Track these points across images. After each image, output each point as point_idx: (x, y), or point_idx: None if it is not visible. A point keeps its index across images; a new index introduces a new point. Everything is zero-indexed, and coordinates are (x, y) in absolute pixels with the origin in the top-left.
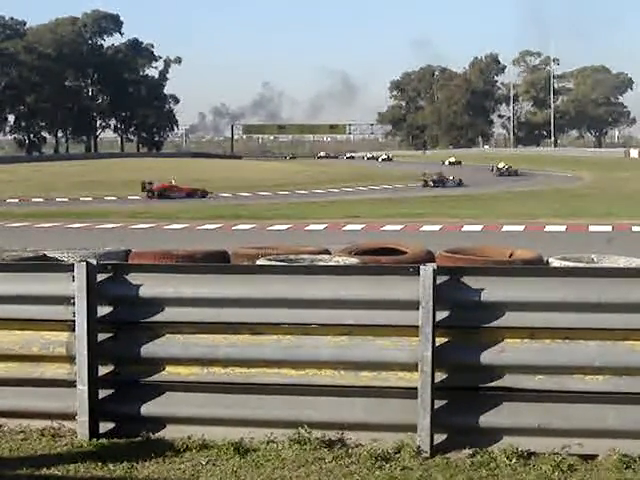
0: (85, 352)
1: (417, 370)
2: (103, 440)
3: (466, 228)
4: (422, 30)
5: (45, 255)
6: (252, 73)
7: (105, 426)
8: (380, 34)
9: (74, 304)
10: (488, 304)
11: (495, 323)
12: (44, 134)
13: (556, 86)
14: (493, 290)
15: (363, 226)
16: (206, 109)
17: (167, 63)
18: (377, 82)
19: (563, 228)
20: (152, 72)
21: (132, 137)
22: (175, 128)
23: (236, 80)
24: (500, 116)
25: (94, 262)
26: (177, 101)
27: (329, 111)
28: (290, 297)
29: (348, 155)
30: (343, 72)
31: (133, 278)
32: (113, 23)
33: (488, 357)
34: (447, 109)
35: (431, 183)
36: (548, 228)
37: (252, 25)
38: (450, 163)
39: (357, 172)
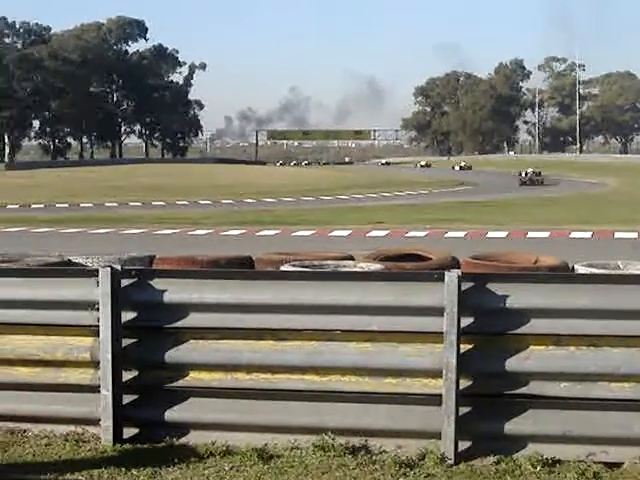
0: (109, 357)
1: (441, 377)
2: (127, 445)
3: (491, 234)
4: (448, 35)
5: (69, 260)
6: (279, 77)
7: (129, 431)
8: (407, 39)
9: (98, 309)
10: (513, 311)
11: (520, 330)
12: (69, 139)
13: (582, 92)
14: (518, 297)
15: (387, 232)
16: (233, 114)
17: (192, 69)
18: (405, 87)
19: (588, 234)
20: (177, 78)
21: (157, 143)
22: (200, 134)
23: (263, 84)
24: (525, 122)
25: (118, 267)
26: (201, 107)
27: (356, 116)
28: (314, 303)
29: (423, 163)
30: (370, 77)
31: (157, 284)
32: (138, 29)
33: (513, 364)
34: (472, 115)
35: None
36: (573, 234)
37: (278, 29)
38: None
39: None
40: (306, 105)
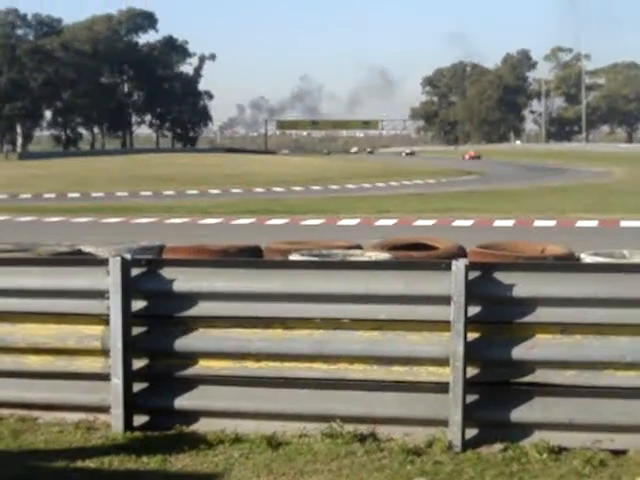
0: (120, 346)
1: (449, 365)
2: (137, 433)
3: (498, 223)
4: (458, 26)
5: (80, 250)
6: (291, 67)
7: (139, 419)
8: (418, 30)
9: (109, 298)
10: (520, 299)
11: (526, 318)
12: (80, 130)
13: (587, 82)
14: (525, 285)
15: (395, 221)
16: (246, 102)
17: (201, 59)
18: (416, 77)
19: (594, 223)
20: (187, 69)
21: (167, 133)
22: (209, 124)
23: (275, 74)
24: (532, 112)
25: (129, 257)
26: (211, 97)
27: (367, 105)
28: (322, 292)
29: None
30: (382, 67)
31: (167, 273)
32: (148, 20)
33: (519, 352)
34: (479, 105)
35: None
36: (579, 223)
37: (288, 19)
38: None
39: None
40: (318, 94)
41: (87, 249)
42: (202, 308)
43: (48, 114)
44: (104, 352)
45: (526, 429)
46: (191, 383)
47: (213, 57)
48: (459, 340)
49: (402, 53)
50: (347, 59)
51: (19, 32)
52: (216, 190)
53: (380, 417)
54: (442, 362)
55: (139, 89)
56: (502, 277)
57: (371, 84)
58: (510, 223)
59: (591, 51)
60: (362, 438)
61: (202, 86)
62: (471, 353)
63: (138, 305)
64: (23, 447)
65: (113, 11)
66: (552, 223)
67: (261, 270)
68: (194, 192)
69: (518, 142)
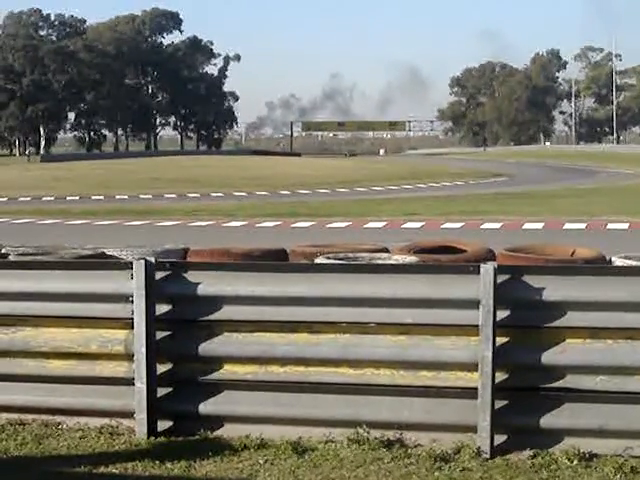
0: (143, 350)
1: (477, 370)
2: (161, 438)
3: (527, 226)
4: (487, 24)
5: (104, 253)
6: (321, 65)
7: (163, 424)
8: (450, 29)
9: (132, 302)
10: (549, 303)
11: (556, 323)
12: (104, 132)
13: (618, 82)
14: (554, 289)
15: (422, 224)
16: (275, 100)
17: (226, 60)
18: (445, 78)
19: (625, 226)
20: (211, 69)
21: (191, 135)
22: (234, 125)
23: (304, 72)
24: (562, 112)
25: (152, 260)
26: (236, 98)
27: (399, 105)
28: (348, 296)
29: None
30: (413, 66)
31: (191, 276)
32: (172, 21)
33: (549, 357)
34: (508, 105)
35: None
36: (610, 226)
37: (317, 17)
38: None
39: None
40: (350, 93)
41: (111, 252)
42: (226, 312)
43: (71, 116)
44: (128, 356)
45: (556, 435)
46: (215, 388)
47: (238, 58)
48: (488, 345)
49: (433, 52)
50: (379, 57)
51: (42, 33)
52: (241, 192)
53: (407, 423)
54: (470, 367)
55: (163, 90)
56: (531, 280)
57: (403, 83)
58: (540, 226)
59: (622, 51)
60: (389, 444)
61: (227, 87)
62: (500, 358)
63: (162, 309)
64: (46, 452)
65: (137, 11)
66: (582, 226)
67: (286, 273)
68: (219, 194)
69: (548, 143)
